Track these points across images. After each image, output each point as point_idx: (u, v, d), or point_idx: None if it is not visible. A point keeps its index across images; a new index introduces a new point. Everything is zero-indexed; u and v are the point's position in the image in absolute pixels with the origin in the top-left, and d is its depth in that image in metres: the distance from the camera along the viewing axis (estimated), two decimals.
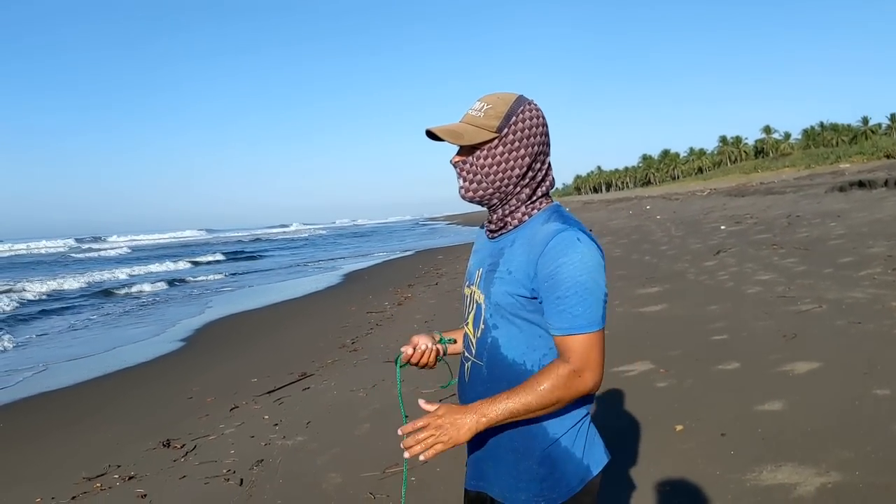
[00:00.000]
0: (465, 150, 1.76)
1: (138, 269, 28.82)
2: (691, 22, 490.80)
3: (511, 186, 1.74)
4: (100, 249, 61.20)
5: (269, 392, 6.57)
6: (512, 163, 1.72)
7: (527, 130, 1.72)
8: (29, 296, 18.83)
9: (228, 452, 4.91)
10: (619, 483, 3.63)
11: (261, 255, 37.50)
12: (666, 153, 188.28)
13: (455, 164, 1.79)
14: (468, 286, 1.89)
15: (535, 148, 1.74)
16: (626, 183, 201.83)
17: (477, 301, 1.82)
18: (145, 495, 4.30)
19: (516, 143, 1.71)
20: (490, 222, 1.83)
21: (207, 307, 14.40)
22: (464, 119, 1.76)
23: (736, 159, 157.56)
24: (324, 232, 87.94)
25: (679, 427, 4.27)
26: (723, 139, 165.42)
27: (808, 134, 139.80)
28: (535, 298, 1.68)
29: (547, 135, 1.77)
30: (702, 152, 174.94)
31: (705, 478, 3.54)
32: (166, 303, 16.04)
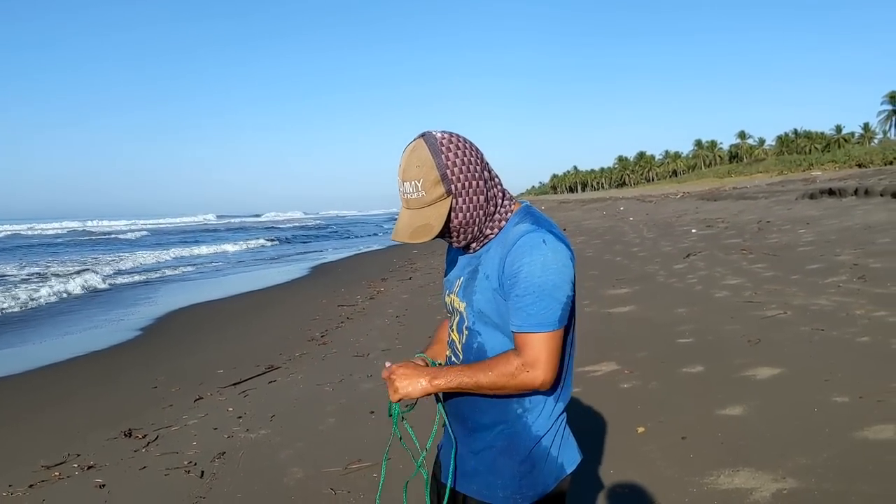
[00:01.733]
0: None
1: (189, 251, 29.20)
2: (669, 26, 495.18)
3: (483, 212, 1.75)
4: (115, 232, 59.43)
5: (234, 384, 6.51)
6: (475, 198, 1.73)
7: (463, 166, 1.71)
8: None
9: (191, 444, 4.86)
10: (578, 482, 3.65)
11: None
12: (641, 155, 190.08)
13: (443, 238, 1.80)
14: (448, 294, 1.92)
15: (478, 171, 1.73)
16: (602, 184, 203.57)
17: (458, 309, 1.85)
18: (104, 485, 4.24)
19: (466, 184, 1.71)
20: (470, 245, 1.82)
21: (174, 295, 14.23)
22: (409, 205, 1.73)
23: (710, 163, 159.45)
24: (321, 221, 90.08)
25: (641, 428, 4.31)
26: (698, 143, 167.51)
27: (783, 140, 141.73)
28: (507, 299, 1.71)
29: (474, 147, 1.76)
30: (677, 155, 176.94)
31: (663, 480, 3.58)
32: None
